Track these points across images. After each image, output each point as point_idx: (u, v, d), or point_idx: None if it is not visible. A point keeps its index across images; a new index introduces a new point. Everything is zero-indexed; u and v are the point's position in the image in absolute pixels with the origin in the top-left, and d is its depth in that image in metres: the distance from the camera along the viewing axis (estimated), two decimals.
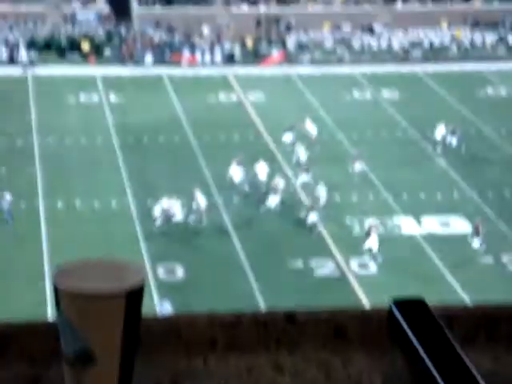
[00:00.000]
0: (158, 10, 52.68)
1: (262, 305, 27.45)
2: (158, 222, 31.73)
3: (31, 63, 48.33)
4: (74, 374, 2.69)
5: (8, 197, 32.26)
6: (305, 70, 49.50)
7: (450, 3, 55.16)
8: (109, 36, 50.71)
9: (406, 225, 33.17)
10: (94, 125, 41.06)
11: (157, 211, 31.94)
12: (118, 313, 2.89)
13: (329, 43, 51.92)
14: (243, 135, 40.26)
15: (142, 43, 50.11)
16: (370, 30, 53.29)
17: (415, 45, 52.05)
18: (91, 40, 50.01)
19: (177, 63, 49.53)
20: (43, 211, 33.05)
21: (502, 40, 52.96)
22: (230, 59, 50.20)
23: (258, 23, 52.89)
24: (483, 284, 28.92)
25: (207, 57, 49.95)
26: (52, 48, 49.62)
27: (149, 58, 49.10)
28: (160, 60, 49.47)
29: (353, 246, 31.56)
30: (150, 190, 34.58)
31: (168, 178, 35.40)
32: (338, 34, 52.65)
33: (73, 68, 48.01)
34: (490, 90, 47.35)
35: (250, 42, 51.19)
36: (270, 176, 35.17)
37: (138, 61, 49.18)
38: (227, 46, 50.68)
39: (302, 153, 37.04)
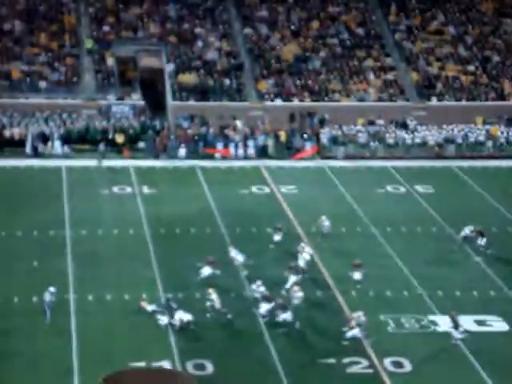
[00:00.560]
0: (193, 103, 53.13)
1: None
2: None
3: (66, 155, 48.71)
4: None
5: (52, 289, 31.96)
6: (338, 163, 49.50)
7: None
8: (143, 129, 51.08)
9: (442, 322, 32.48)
10: (126, 216, 40.99)
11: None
12: None
13: (363, 138, 51.94)
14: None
15: (176, 136, 50.40)
16: (404, 126, 53.28)
17: (449, 141, 51.93)
18: (126, 132, 50.40)
19: (210, 156, 49.72)
20: (73, 304, 32.68)
21: None
22: (263, 153, 50.35)
23: (292, 117, 53.12)
24: None
25: (240, 150, 50.12)
26: (86, 140, 50.01)
27: (182, 151, 49.33)
28: (194, 153, 49.71)
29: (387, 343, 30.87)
30: (180, 282, 34.16)
31: (197, 270, 34.98)
32: (371, 129, 52.71)
33: (107, 160, 48.29)
34: None
35: (283, 136, 51.35)
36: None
37: (171, 154, 49.42)
38: (261, 139, 50.88)
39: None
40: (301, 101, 54.10)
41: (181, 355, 29.67)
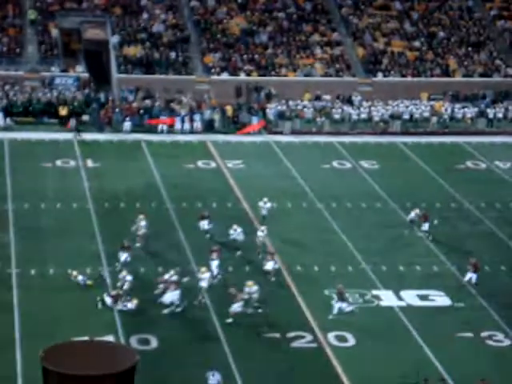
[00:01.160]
0: (138, 76, 52.59)
1: None
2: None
3: (8, 128, 47.93)
4: None
5: None
6: (284, 138, 49.46)
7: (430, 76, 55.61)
8: (87, 101, 50.41)
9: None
10: (70, 190, 40.52)
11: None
12: None
13: (309, 113, 51.93)
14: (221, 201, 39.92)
15: (120, 110, 49.86)
16: (350, 101, 53.42)
17: (394, 116, 52.16)
18: (69, 105, 49.71)
19: (155, 130, 49.31)
20: (16, 278, 32.27)
21: (482, 114, 53.24)
22: (209, 127, 50.10)
23: (239, 91, 52.90)
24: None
25: (187, 124, 49.77)
26: (29, 113, 49.23)
27: (127, 124, 48.83)
28: (139, 127, 49.27)
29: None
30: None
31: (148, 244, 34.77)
32: (318, 104, 52.72)
33: (50, 133, 47.64)
34: (469, 163, 47.45)
35: (230, 110, 51.11)
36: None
37: (116, 127, 48.92)
38: (207, 114, 50.59)
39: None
40: (248, 75, 53.91)
41: (124, 330, 29.51)
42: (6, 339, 28.57)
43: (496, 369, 28.12)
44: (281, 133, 50.26)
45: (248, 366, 27.98)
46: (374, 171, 45.37)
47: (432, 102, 53.71)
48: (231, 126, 50.69)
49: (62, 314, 30.32)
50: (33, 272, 32.86)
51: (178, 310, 30.67)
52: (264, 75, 54.00)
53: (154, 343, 28.79)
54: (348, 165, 46.26)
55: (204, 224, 36.08)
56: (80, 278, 31.94)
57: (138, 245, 34.68)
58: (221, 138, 49.17)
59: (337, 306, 31.17)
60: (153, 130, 49.42)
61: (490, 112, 53.18)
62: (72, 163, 43.95)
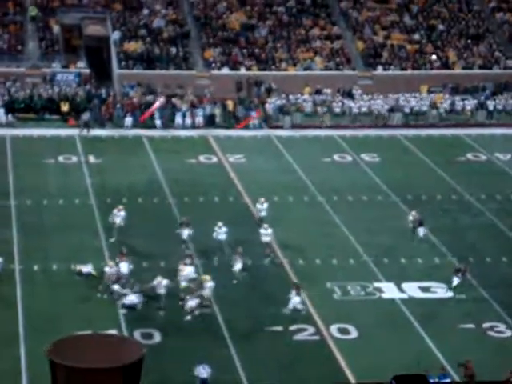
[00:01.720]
0: (139, 72, 52.71)
1: None
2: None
3: (10, 124, 48.05)
4: None
5: None
6: (285, 132, 49.57)
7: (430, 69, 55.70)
8: (89, 97, 50.50)
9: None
10: (72, 186, 40.65)
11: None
12: None
13: (310, 107, 52.00)
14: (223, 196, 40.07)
15: (122, 105, 49.96)
16: (351, 95, 53.49)
17: (394, 109, 52.22)
18: (71, 101, 49.81)
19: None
20: (19, 274, 32.43)
21: (481, 106, 53.32)
22: (210, 122, 50.18)
23: (239, 86, 53.00)
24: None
25: (188, 119, 49.86)
26: (31, 109, 49.33)
27: (129, 120, 48.92)
28: (140, 122, 49.38)
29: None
30: (129, 251, 34.05)
31: (146, 241, 34.91)
32: (318, 98, 52.81)
33: (51, 129, 47.75)
34: (469, 155, 47.56)
35: (230, 105, 51.19)
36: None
37: (117, 123, 49.02)
38: (208, 108, 50.66)
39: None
40: (248, 69, 54.01)
41: (128, 324, 29.68)
42: (10, 335, 28.74)
43: (498, 360, 28.26)
44: (281, 127, 50.36)
45: (250, 358, 28.14)
46: (375, 164, 45.50)
47: (432, 95, 53.79)
48: (232, 120, 50.78)
49: (65, 309, 30.48)
50: (36, 268, 33.03)
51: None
52: (264, 69, 54.12)
53: (157, 338, 28.96)
54: (349, 158, 46.39)
55: (184, 232, 34.44)
56: (84, 269, 31.97)
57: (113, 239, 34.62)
58: (222, 132, 49.30)
59: (292, 300, 30.80)
60: (153, 125, 49.43)
61: (490, 104, 53.25)
62: (74, 159, 44.09)
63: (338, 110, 52.16)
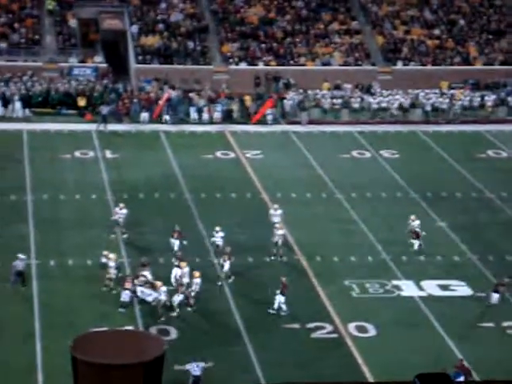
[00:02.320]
0: (156, 66, 52.46)
1: None
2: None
3: (27, 119, 47.92)
4: None
5: (22, 256, 31.33)
6: (303, 128, 49.16)
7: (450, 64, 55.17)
8: (106, 92, 50.24)
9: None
10: (88, 181, 40.45)
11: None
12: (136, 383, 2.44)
13: (328, 103, 51.53)
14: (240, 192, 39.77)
15: (139, 100, 49.69)
16: (370, 90, 53.01)
17: (414, 105, 51.71)
18: (88, 96, 49.58)
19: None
20: (35, 269, 32.26)
21: (502, 102, 52.74)
22: (228, 117, 49.82)
23: (257, 81, 52.65)
24: None
25: (205, 114, 49.55)
26: (48, 103, 49.14)
27: (146, 115, 48.61)
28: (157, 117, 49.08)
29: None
30: (143, 247, 33.82)
31: (163, 237, 34.66)
32: (337, 93, 52.38)
33: (68, 124, 47.55)
34: (490, 152, 47.04)
35: (248, 100, 50.79)
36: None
37: (134, 118, 48.73)
38: (225, 104, 50.33)
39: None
40: (266, 64, 53.64)
41: (144, 320, 29.46)
42: (26, 330, 28.61)
43: None
44: (299, 123, 49.94)
45: (268, 356, 27.87)
46: (394, 160, 45.06)
47: (452, 91, 53.26)
48: (250, 115, 50.38)
49: (81, 305, 30.33)
50: (52, 263, 32.85)
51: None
52: (282, 64, 53.75)
53: (173, 334, 28.72)
54: (368, 154, 45.95)
55: (174, 243, 33.39)
56: (111, 263, 31.56)
57: (112, 236, 34.30)
58: (239, 128, 48.95)
59: (277, 299, 30.26)
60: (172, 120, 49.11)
61: (511, 100, 52.67)
62: (91, 154, 43.88)
63: (356, 105, 51.71)
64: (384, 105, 51.62)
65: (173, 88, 50.70)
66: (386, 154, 45.96)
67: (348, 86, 52.97)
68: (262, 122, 49.26)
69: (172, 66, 52.55)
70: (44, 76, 50.74)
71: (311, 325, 29.77)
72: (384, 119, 50.75)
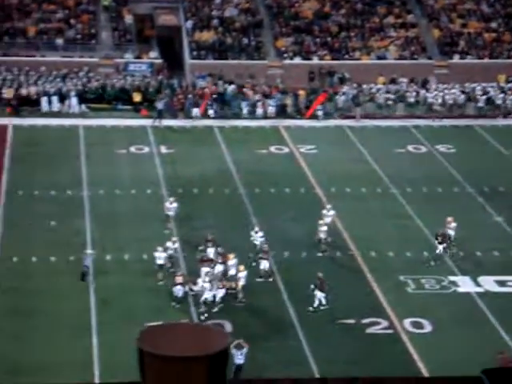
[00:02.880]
0: (211, 62, 52.54)
1: None
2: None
3: (83, 114, 48.33)
4: None
5: (90, 252, 31.60)
6: (358, 122, 48.80)
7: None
8: (161, 87, 50.47)
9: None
10: (143, 176, 40.67)
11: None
12: (200, 376, 2.62)
13: (384, 97, 51.10)
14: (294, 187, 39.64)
15: (193, 95, 49.81)
16: (426, 84, 52.44)
17: (471, 99, 51.04)
18: (143, 91, 49.84)
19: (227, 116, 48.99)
20: (92, 264, 32.51)
21: None
22: (282, 112, 49.68)
23: (312, 76, 52.45)
24: None
25: (259, 109, 49.47)
26: (103, 99, 49.50)
27: (197, 110, 48.57)
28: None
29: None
30: (197, 242, 33.90)
31: (217, 232, 34.70)
32: (392, 88, 51.92)
33: (124, 119, 47.84)
34: None
35: (302, 95, 50.59)
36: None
37: (188, 112, 48.81)
38: (279, 98, 50.20)
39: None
40: (321, 59, 53.40)
41: (199, 315, 29.52)
42: (82, 324, 28.85)
43: None
44: (353, 117, 49.59)
45: (323, 351, 27.75)
46: (450, 155, 44.53)
47: (510, 85, 52.45)
48: (304, 110, 50.16)
49: (136, 299, 30.49)
50: (108, 257, 33.08)
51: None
52: (337, 59, 53.44)
53: (228, 328, 28.72)
54: (423, 149, 45.49)
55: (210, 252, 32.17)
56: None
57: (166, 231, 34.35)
58: (293, 122, 48.79)
59: (317, 296, 30.00)
60: (226, 116, 49.12)
61: None
62: (146, 149, 44.10)
63: (412, 99, 51.20)
64: (440, 99, 51.04)
65: (229, 83, 50.74)
66: (441, 148, 45.45)
67: (404, 80, 52.51)
68: (316, 116, 49.05)
69: (226, 62, 52.59)
70: (100, 72, 51.15)
71: (366, 320, 29.57)
72: (440, 113, 50.19)
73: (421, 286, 31.92)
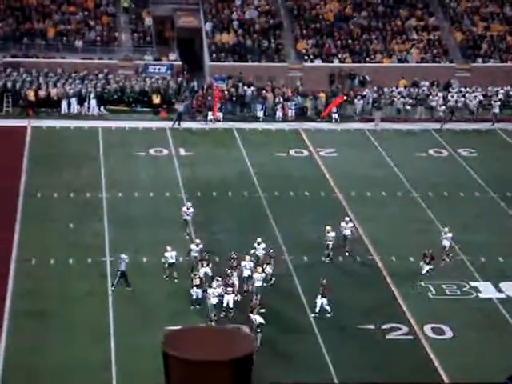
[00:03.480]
0: (230, 64, 52.30)
1: None
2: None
3: (102, 116, 48.19)
4: None
5: (124, 256, 31.35)
6: (379, 126, 48.35)
7: None
8: (180, 89, 50.27)
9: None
10: (162, 178, 40.44)
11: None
12: (225, 381, 3.29)
13: (405, 100, 50.62)
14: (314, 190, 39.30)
15: (213, 97, 49.53)
16: (448, 88, 51.95)
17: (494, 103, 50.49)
18: (162, 94, 49.65)
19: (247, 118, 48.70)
20: (109, 266, 32.32)
21: None
22: (302, 115, 49.35)
23: (332, 78, 52.10)
24: None
25: (279, 112, 49.13)
26: (123, 101, 49.33)
27: (219, 111, 48.37)
28: (231, 115, 48.88)
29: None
30: (216, 246, 33.62)
31: (236, 235, 34.42)
32: (414, 91, 51.47)
33: (143, 122, 47.65)
34: None
35: (323, 98, 50.24)
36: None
37: (207, 115, 48.48)
38: (299, 101, 49.87)
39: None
40: (341, 62, 53.05)
41: (210, 319, 29.21)
42: (100, 327, 28.63)
43: None
44: (374, 120, 49.14)
45: (342, 357, 27.41)
46: (473, 159, 44.06)
47: None
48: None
49: (155, 302, 30.26)
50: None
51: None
52: (358, 62, 53.08)
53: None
54: (445, 153, 45.03)
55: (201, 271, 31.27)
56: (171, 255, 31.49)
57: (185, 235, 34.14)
58: (313, 125, 48.44)
59: (319, 302, 29.64)
60: (246, 118, 48.88)
61: None
62: (165, 151, 43.88)
63: (434, 103, 50.72)
64: (461, 103, 50.53)
65: (249, 85, 50.48)
66: (463, 152, 44.97)
67: (425, 83, 52.04)
68: (331, 118, 48.56)
69: (246, 64, 52.33)
70: (119, 74, 51.02)
71: (386, 326, 29.19)
72: (462, 117, 49.68)
73: (442, 291, 31.51)
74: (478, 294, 31.45)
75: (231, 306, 29.54)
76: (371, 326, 29.15)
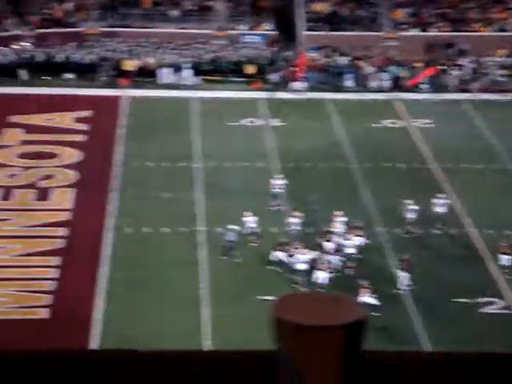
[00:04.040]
0: (325, 33, 51.84)
1: None
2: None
3: (196, 86, 48.44)
4: None
5: (233, 227, 31.66)
6: (477, 96, 47.34)
7: None
8: (274, 60, 50.11)
9: None
10: (254, 149, 40.47)
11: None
12: (336, 346, 3.01)
13: (501, 70, 49.42)
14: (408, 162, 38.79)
15: (306, 67, 49.21)
16: None
17: None
18: (256, 63, 49.57)
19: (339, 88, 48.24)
20: (202, 236, 32.59)
21: None
22: (397, 85, 48.65)
23: (429, 48, 51.17)
24: None
25: (374, 82, 48.55)
26: (217, 71, 49.46)
27: (306, 83, 47.93)
28: (324, 84, 48.48)
29: None
30: (308, 217, 33.54)
31: (327, 207, 34.27)
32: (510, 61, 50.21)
33: (236, 92, 47.70)
34: None
35: (419, 67, 49.36)
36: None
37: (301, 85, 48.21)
38: (395, 71, 49.16)
39: None
40: (438, 31, 52.02)
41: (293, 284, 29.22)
42: (192, 298, 28.90)
43: None
44: (472, 90, 48.10)
45: (435, 330, 27.10)
46: None
47: None
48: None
49: (249, 272, 30.39)
50: (219, 230, 33.03)
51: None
52: (455, 31, 51.97)
53: None
54: None
55: (279, 255, 30.64)
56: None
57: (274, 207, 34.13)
58: (408, 96, 47.69)
59: (400, 276, 29.00)
60: (339, 88, 48.43)
61: None
62: (258, 122, 43.87)
63: None
64: None
65: (343, 55, 49.99)
66: None
67: None
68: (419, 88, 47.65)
69: (341, 33, 51.80)
70: (214, 44, 51.12)
71: (481, 299, 28.72)
72: None
73: None
74: None
75: (321, 281, 29.31)
76: (465, 300, 28.71)
